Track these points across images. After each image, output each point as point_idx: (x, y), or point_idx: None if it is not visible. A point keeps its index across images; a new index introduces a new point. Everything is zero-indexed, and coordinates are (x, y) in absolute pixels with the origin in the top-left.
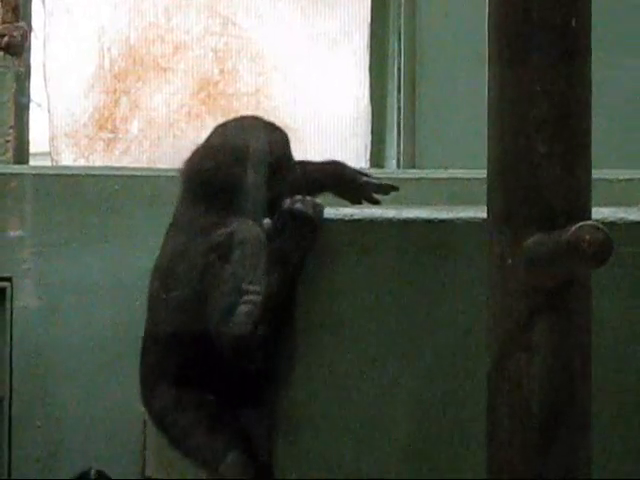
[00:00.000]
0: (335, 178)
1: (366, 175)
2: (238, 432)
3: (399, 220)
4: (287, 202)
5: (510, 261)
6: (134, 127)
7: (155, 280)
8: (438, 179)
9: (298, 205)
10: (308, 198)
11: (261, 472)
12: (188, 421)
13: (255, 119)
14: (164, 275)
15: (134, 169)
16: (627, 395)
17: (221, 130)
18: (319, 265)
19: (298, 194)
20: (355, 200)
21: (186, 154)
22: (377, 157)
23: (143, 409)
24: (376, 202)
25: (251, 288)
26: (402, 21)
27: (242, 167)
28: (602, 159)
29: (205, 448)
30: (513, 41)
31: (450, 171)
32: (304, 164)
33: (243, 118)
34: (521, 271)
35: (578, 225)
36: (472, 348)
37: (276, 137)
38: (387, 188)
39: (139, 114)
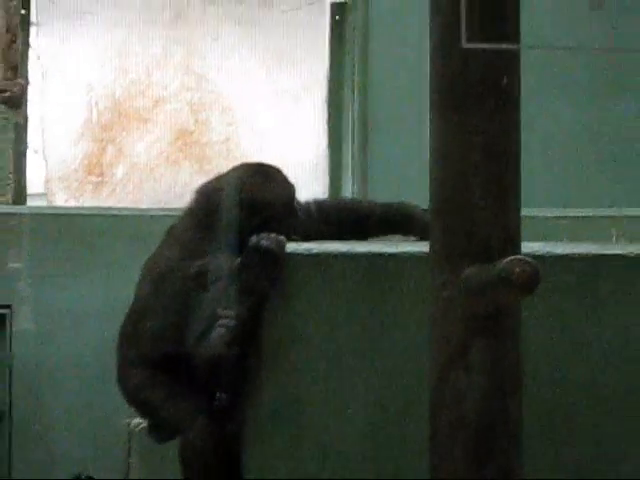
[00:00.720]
0: None
1: None
2: (205, 403)
3: (352, 254)
4: (254, 238)
5: (449, 290)
6: (119, 171)
7: (138, 298)
8: None
9: (263, 241)
10: (272, 235)
11: (229, 440)
12: (159, 396)
13: (253, 167)
14: (147, 294)
15: (119, 209)
16: (556, 408)
17: (220, 176)
18: (284, 292)
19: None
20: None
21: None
22: (334, 197)
23: (127, 421)
24: None
25: (225, 313)
26: (355, 78)
27: (223, 212)
28: (531, 199)
29: (175, 417)
30: (452, 95)
31: None
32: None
33: (241, 167)
34: (459, 299)
35: (509, 259)
36: (416, 364)
37: (263, 185)
38: None
39: (123, 160)
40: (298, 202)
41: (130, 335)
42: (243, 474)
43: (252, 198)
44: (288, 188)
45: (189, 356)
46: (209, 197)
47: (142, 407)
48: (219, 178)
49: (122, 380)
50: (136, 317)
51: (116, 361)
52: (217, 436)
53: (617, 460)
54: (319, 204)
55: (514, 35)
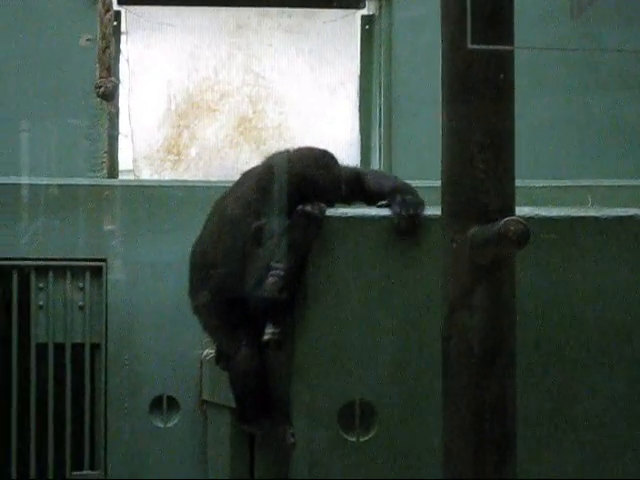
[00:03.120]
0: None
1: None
2: (254, 336)
3: (380, 217)
4: (300, 205)
5: (457, 245)
6: (192, 152)
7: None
8: None
9: (307, 207)
10: (316, 202)
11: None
12: (217, 324)
13: (310, 150)
14: (215, 234)
15: (193, 182)
16: (543, 340)
17: (279, 156)
18: (323, 249)
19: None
20: None
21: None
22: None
23: (200, 352)
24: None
25: (277, 265)
26: (381, 75)
27: (281, 183)
28: (523, 172)
29: (227, 345)
30: (459, 88)
31: (418, 181)
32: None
33: (300, 149)
34: (465, 252)
35: (505, 219)
36: (432, 309)
37: (317, 166)
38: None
39: (196, 142)
40: (341, 174)
41: (199, 265)
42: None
43: (304, 176)
44: (334, 170)
45: (246, 298)
46: (270, 169)
47: (202, 321)
48: (282, 154)
49: (192, 297)
50: (204, 251)
51: (189, 288)
52: (257, 363)
53: (594, 382)
54: (352, 174)
55: (509, 38)
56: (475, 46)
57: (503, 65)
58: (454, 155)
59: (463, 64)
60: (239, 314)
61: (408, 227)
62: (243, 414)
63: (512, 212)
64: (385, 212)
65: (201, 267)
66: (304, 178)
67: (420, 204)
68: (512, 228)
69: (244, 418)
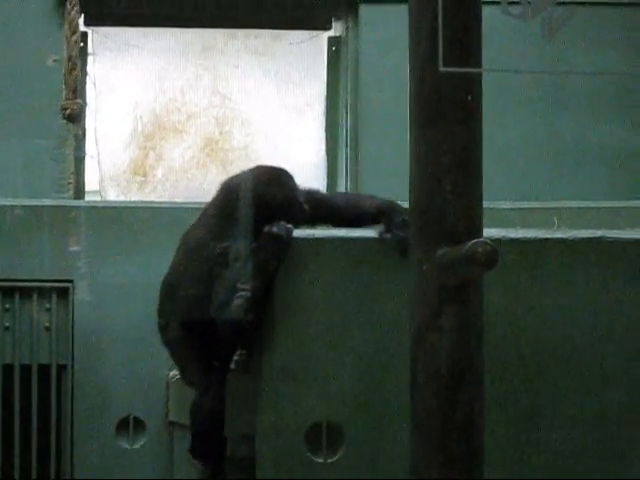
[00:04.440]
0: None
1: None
2: (222, 366)
3: (346, 238)
4: (267, 226)
5: (425, 267)
6: (159, 173)
7: (174, 264)
8: None
9: (275, 229)
10: (282, 223)
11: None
12: (186, 355)
13: (267, 169)
14: (181, 264)
15: (159, 203)
16: (510, 360)
17: (237, 177)
18: (290, 270)
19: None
20: None
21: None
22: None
23: (167, 373)
24: None
25: (243, 286)
26: (348, 96)
27: (243, 203)
28: (491, 194)
29: (194, 378)
30: (427, 110)
31: None
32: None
33: (257, 168)
34: (433, 274)
35: (473, 241)
36: (400, 330)
37: (277, 183)
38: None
39: (162, 164)
40: (301, 195)
41: (167, 297)
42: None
43: (262, 195)
44: (291, 187)
45: (213, 320)
46: (230, 191)
47: (173, 354)
48: (239, 176)
49: (161, 331)
50: (171, 282)
51: (158, 319)
52: (223, 405)
53: (563, 403)
54: (315, 195)
55: (477, 60)
56: (446, 69)
57: (471, 87)
58: (422, 177)
59: (432, 86)
60: (209, 344)
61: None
62: (196, 449)
63: (480, 234)
64: (353, 233)
65: (170, 298)
66: (261, 197)
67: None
68: (480, 250)
69: (197, 453)
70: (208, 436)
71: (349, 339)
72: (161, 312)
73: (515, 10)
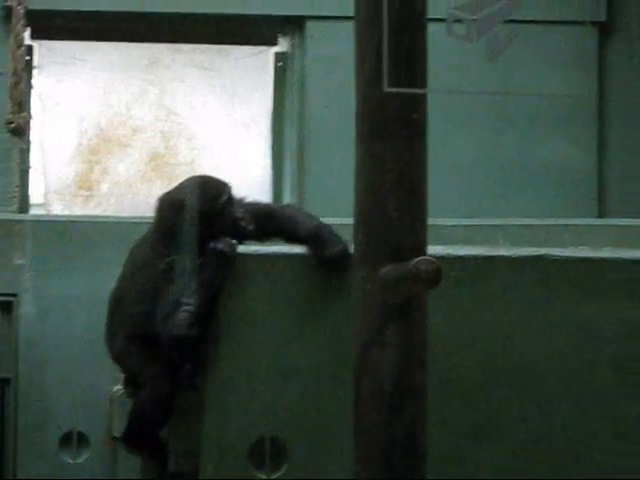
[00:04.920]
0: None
1: None
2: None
3: (290, 254)
4: (211, 242)
5: (369, 283)
6: (104, 187)
7: (121, 279)
8: None
9: (218, 244)
10: (227, 239)
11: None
12: (134, 360)
13: (202, 179)
14: (128, 277)
15: (104, 217)
16: (452, 377)
17: (176, 189)
18: (236, 285)
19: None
20: None
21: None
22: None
23: (110, 388)
24: None
25: (187, 301)
26: (294, 111)
27: (183, 217)
28: (436, 211)
29: (142, 376)
30: (373, 127)
31: (329, 219)
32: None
33: (193, 178)
34: (377, 291)
35: (418, 259)
36: (344, 347)
37: (213, 194)
38: None
39: (107, 178)
40: (242, 206)
41: (114, 312)
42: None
43: (196, 206)
44: (220, 194)
45: (158, 334)
46: (166, 205)
47: (122, 367)
48: (172, 192)
49: (109, 345)
50: (118, 298)
51: (105, 334)
52: (169, 399)
53: (505, 421)
54: (260, 208)
55: (423, 79)
56: (391, 89)
57: (416, 105)
58: (367, 194)
59: (376, 104)
60: (156, 357)
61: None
62: (132, 439)
63: (424, 251)
64: (298, 249)
65: (117, 312)
66: (197, 208)
67: (341, 252)
68: (424, 267)
69: (132, 443)
70: (148, 427)
71: (293, 355)
72: (109, 325)
73: (460, 30)
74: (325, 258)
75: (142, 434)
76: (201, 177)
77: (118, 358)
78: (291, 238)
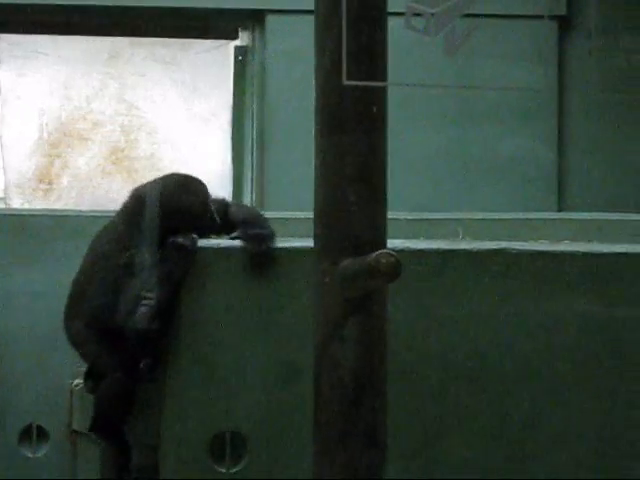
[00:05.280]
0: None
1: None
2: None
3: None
4: (172, 237)
5: (328, 277)
6: (64, 181)
7: (81, 271)
8: (281, 218)
9: (179, 239)
10: (187, 234)
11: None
12: (93, 351)
13: (178, 178)
14: (89, 269)
15: (64, 211)
16: (412, 371)
17: (147, 185)
18: (196, 279)
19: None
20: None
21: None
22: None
23: (70, 381)
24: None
25: (148, 295)
26: (254, 105)
27: (154, 212)
28: (396, 204)
29: (102, 367)
30: (332, 121)
31: (289, 213)
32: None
33: (170, 176)
34: (336, 285)
35: (377, 252)
36: (304, 340)
37: (193, 192)
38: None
39: (68, 171)
40: (214, 204)
41: (74, 299)
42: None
43: (170, 204)
44: (202, 196)
45: (118, 327)
46: (140, 199)
47: (82, 356)
48: (150, 184)
49: (67, 328)
50: (79, 289)
51: (64, 320)
52: (128, 387)
53: (464, 413)
54: (225, 205)
55: (383, 73)
56: (350, 82)
57: (376, 99)
58: (326, 187)
59: (336, 97)
60: (114, 344)
61: (259, 261)
62: (97, 424)
63: (383, 245)
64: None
65: (77, 299)
66: (171, 205)
67: (267, 237)
68: (383, 261)
69: (97, 427)
70: (110, 415)
71: (253, 349)
72: (69, 308)
73: (419, 24)
74: (251, 236)
75: (105, 426)
76: (179, 175)
77: (75, 343)
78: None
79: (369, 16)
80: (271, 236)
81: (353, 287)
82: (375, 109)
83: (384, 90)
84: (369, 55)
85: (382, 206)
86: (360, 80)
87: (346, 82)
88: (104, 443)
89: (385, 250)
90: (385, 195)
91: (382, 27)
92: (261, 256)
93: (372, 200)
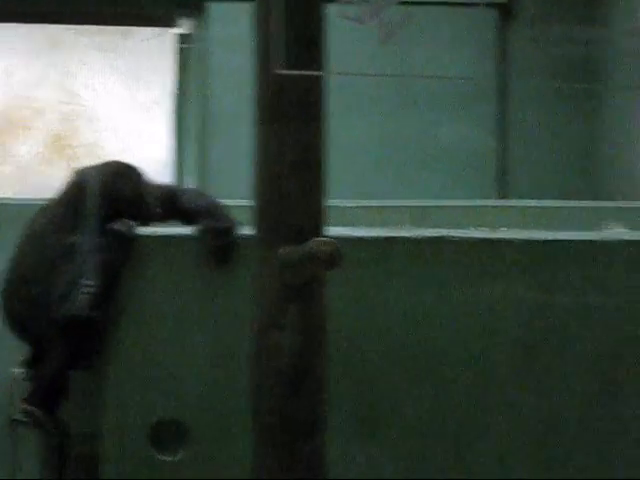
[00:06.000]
0: None
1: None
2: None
3: (189, 235)
4: (111, 223)
5: (268, 265)
6: (5, 169)
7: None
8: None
9: (117, 226)
10: (126, 221)
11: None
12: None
13: (115, 165)
14: (25, 253)
15: (6, 199)
16: (354, 357)
17: (85, 171)
18: (136, 267)
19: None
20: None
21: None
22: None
23: (12, 370)
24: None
25: (87, 282)
26: (197, 93)
27: (91, 198)
28: (338, 192)
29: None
30: (271, 109)
31: (231, 200)
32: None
33: (107, 163)
34: (276, 272)
35: (316, 240)
36: (245, 328)
37: (127, 178)
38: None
39: (10, 159)
40: (154, 190)
41: (10, 287)
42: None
43: (109, 190)
44: (139, 183)
45: (56, 315)
46: (77, 185)
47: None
48: (87, 170)
49: (6, 319)
50: (15, 272)
51: (1, 303)
52: (62, 379)
53: (405, 400)
54: (169, 191)
55: (320, 61)
56: (282, 71)
57: (313, 88)
58: (265, 175)
59: (274, 86)
60: (50, 330)
61: (221, 255)
62: (34, 397)
63: (323, 233)
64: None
65: (13, 282)
66: (108, 192)
67: (230, 229)
68: (322, 248)
69: (32, 401)
70: (42, 407)
71: (193, 337)
72: (4, 297)
73: (353, 12)
74: (216, 229)
75: (40, 412)
76: (115, 161)
77: (13, 327)
78: (189, 219)
79: (306, 4)
80: (233, 228)
81: (292, 275)
82: (312, 98)
83: (321, 79)
84: (305, 43)
85: (322, 194)
86: (297, 69)
87: (279, 71)
88: (36, 424)
89: (324, 238)
90: (324, 183)
91: (319, 15)
92: (223, 249)
93: (311, 188)
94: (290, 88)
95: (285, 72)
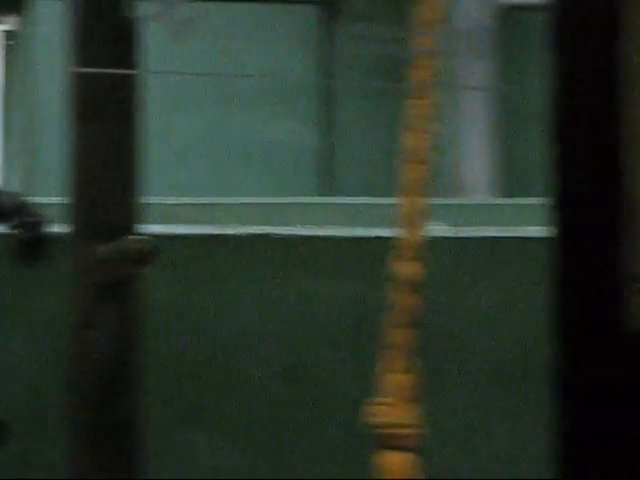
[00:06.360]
0: None
1: None
2: None
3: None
4: None
5: (82, 262)
6: None
7: None
8: (49, 204)
9: None
10: None
11: None
12: None
13: None
14: None
15: None
16: (172, 362)
17: None
18: None
19: None
20: None
21: None
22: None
23: None
24: None
25: None
26: (24, 90)
27: None
28: (160, 189)
29: None
30: (83, 108)
31: (53, 198)
32: None
33: None
34: (90, 270)
35: (129, 237)
36: (62, 325)
37: None
38: None
39: None
40: None
41: None
42: None
43: None
44: None
45: None
46: None
47: None
48: None
49: None
50: None
51: None
52: None
53: (222, 396)
54: None
55: (131, 61)
56: (77, 70)
57: (125, 86)
58: (79, 173)
59: (84, 84)
60: None
61: (31, 252)
62: None
63: (138, 230)
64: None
65: None
66: None
67: (37, 224)
68: (135, 246)
69: None
70: None
71: (13, 335)
72: None
73: (148, 10)
74: (24, 225)
75: None
76: None
77: None
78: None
79: (116, 2)
80: (41, 223)
81: (106, 272)
82: (124, 96)
83: (134, 77)
84: (115, 41)
85: (136, 192)
86: (107, 67)
87: (73, 69)
88: None
89: (137, 236)
90: (139, 181)
91: (131, 13)
92: (32, 245)
93: (125, 186)
94: (100, 87)
95: (81, 70)
